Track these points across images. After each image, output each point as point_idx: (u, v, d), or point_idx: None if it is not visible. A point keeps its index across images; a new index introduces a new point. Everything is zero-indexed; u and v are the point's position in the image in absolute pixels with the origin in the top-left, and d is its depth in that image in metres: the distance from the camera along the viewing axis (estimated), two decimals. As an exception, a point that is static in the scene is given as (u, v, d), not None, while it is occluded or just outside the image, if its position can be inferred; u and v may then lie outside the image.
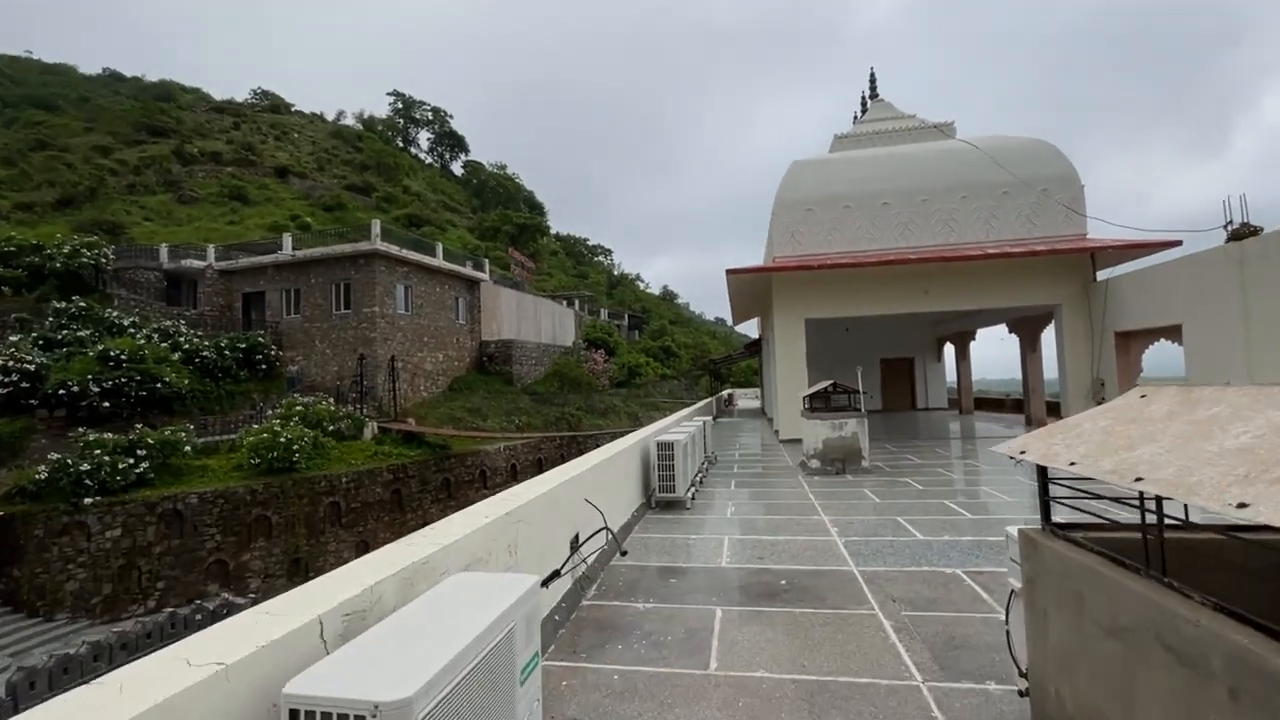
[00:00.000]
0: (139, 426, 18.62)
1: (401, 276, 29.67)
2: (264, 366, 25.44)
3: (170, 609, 15.89)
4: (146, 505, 17.48)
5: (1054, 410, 15.87)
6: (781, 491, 7.97)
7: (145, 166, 49.35)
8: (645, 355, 51.81)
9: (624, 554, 2.40)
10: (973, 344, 20.90)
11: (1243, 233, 8.91)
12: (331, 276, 28.77)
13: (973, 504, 6.78)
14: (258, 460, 19.55)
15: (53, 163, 50.28)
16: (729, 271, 13.32)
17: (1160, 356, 11.82)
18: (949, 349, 22.83)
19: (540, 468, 31.41)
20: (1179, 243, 11.98)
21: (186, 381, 22.17)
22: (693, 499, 7.35)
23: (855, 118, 18.22)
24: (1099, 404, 8.77)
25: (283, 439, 19.81)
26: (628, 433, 10.30)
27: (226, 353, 24.38)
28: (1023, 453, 1.96)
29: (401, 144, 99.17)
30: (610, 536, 2.52)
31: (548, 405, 35.43)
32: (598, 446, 9.26)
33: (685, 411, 13.38)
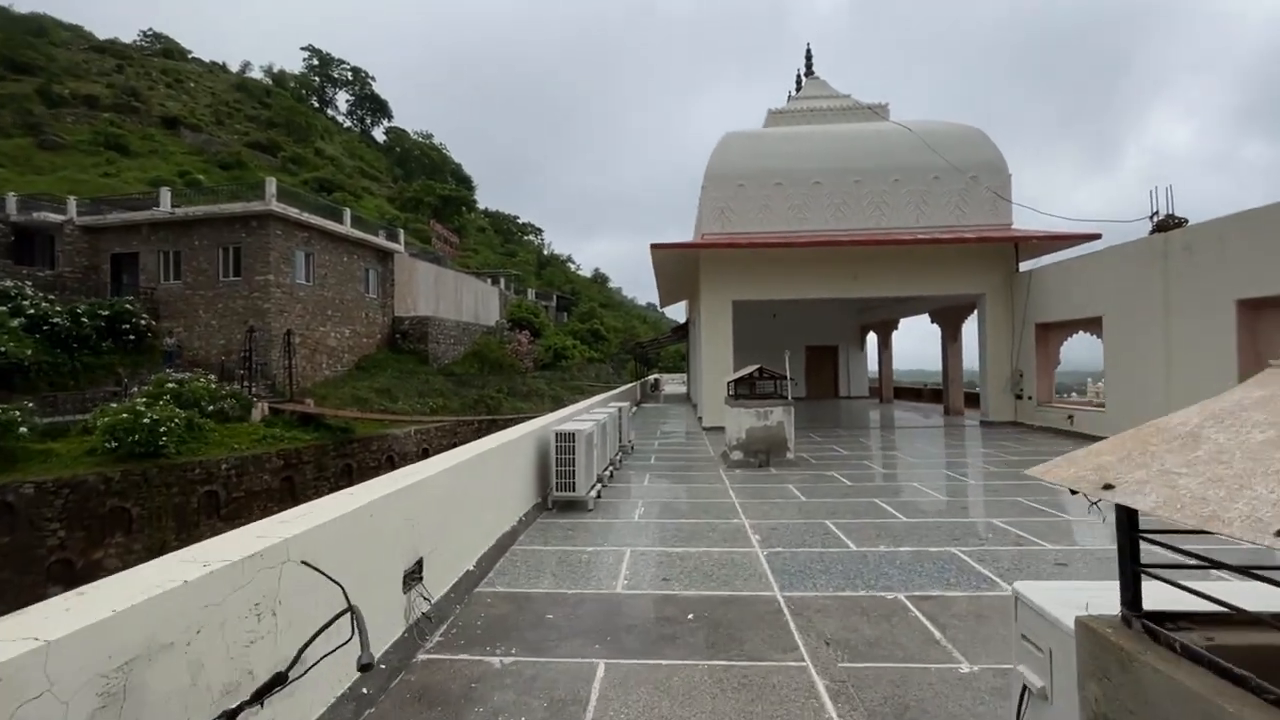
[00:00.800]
0: (-42, 404, 15.68)
1: (301, 242, 26.94)
2: (132, 337, 22.34)
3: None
4: (-36, 497, 14.72)
5: (972, 401, 16.00)
6: (699, 488, 7.10)
7: (1, 105, 42.76)
8: (573, 338, 50.41)
9: (367, 669, 1.26)
10: (894, 333, 21.01)
11: (1168, 224, 8.80)
12: (219, 239, 25.69)
13: (904, 504, 6.14)
14: (115, 444, 16.98)
15: (-120, 94, 42.88)
16: (654, 247, 12.35)
17: (1079, 350, 11.88)
18: (871, 338, 22.95)
19: (456, 453, 29.65)
20: (1099, 235, 12.04)
21: (29, 352, 19.04)
22: (598, 498, 6.35)
23: (790, 96, 17.59)
24: (1018, 396, 8.30)
25: (147, 420, 17.29)
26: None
27: (84, 320, 21.19)
28: (1107, 487, 1.03)
29: (317, 104, 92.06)
30: (356, 633, 1.25)
31: (466, 387, 33.55)
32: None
33: (602, 396, 12.38)
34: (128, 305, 22.52)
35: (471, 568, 3.96)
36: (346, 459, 23.72)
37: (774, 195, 13.33)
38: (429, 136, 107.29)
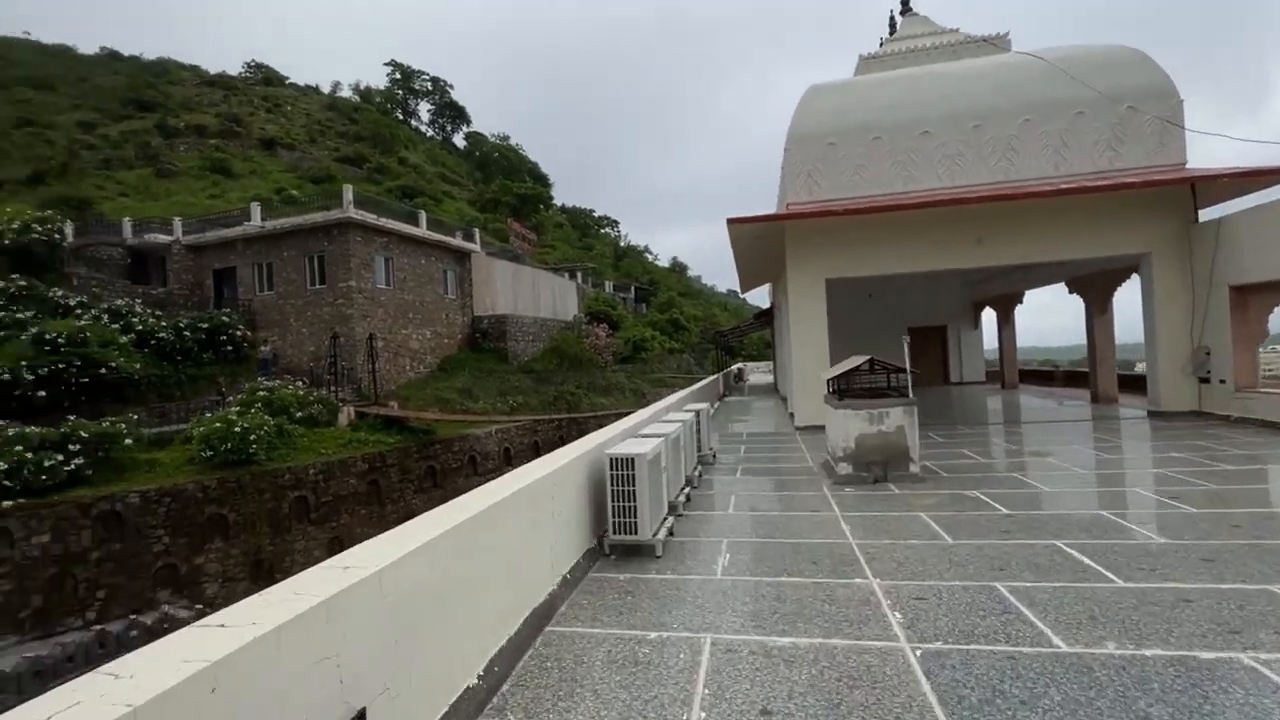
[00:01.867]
0: (72, 418, 16.59)
1: (380, 247, 27.30)
2: (229, 348, 23.33)
3: (99, 627, 14.03)
4: (79, 507, 15.51)
5: (1127, 386, 13.23)
6: (800, 518, 5.53)
7: (125, 141, 47.12)
8: (652, 329, 49.26)
9: None
10: (1017, 308, 18.13)
11: None
12: (305, 249, 26.48)
13: (1111, 551, 4.29)
14: (210, 453, 17.51)
15: (33, 140, 48.21)
16: (732, 221, 10.73)
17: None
18: (987, 315, 20.07)
19: (537, 451, 29.29)
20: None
21: (139, 365, 20.12)
22: (670, 534, 4.95)
23: (882, 41, 15.28)
24: (1203, 380, 6.06)
25: (238, 428, 17.71)
26: (630, 413, 8.31)
27: (187, 334, 22.30)
28: None
29: (401, 116, 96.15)
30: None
31: (546, 384, 33.18)
32: (600, 427, 7.04)
33: (679, 396, 10.95)
34: (224, 318, 23.53)
35: (475, 681, 2.68)
36: (429, 460, 23.75)
37: (872, 152, 11.32)
38: (505, 138, 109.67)
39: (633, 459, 4.44)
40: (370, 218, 26.16)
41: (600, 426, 8.09)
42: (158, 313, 22.98)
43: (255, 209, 26.99)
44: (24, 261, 24.28)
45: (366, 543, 2.35)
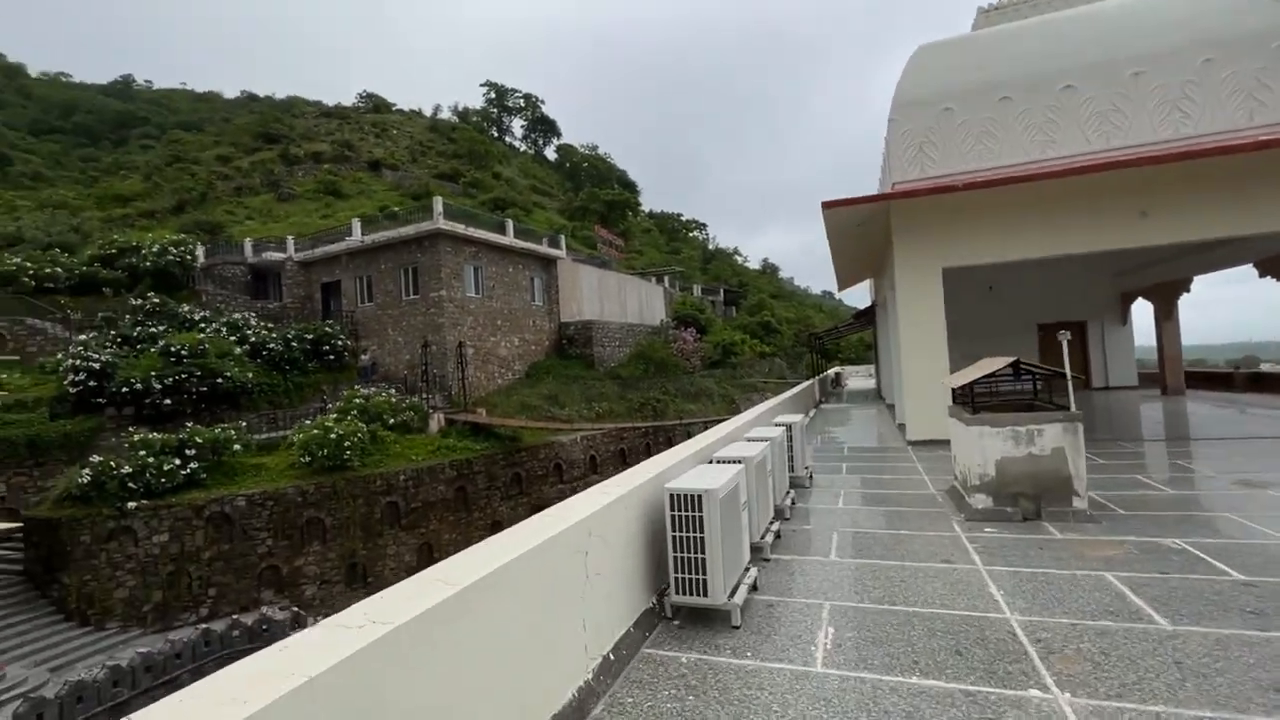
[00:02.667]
0: (189, 425, 17.76)
1: (470, 257, 27.79)
2: (331, 357, 24.47)
3: (204, 626, 14.68)
4: (193, 509, 16.47)
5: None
6: (929, 575, 4.18)
7: (253, 171, 51.91)
8: (742, 332, 47.54)
9: None
10: (1182, 298, 15.15)
11: None
12: (399, 261, 27.44)
13: None
14: (309, 459, 18.17)
15: (180, 174, 54.24)
16: (828, 205, 9.35)
17: None
18: (1139, 308, 17.06)
19: (624, 459, 28.65)
20: None
21: (251, 375, 21.40)
22: (752, 590, 3.83)
23: (1005, -6, 13.19)
24: None
25: (333, 435, 18.27)
26: (719, 421, 7.34)
27: (294, 344, 23.59)
28: None
29: (496, 133, 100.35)
30: None
31: (632, 390, 32.56)
32: (689, 435, 5.94)
33: (768, 405, 9.65)
34: (327, 328, 24.71)
35: None
36: (515, 468, 23.68)
37: (999, 116, 9.53)
38: (594, 148, 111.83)
39: (700, 496, 3.37)
40: (459, 228, 26.67)
41: (689, 434, 7.21)
42: (270, 325, 24.53)
43: (355, 225, 28.37)
44: (162, 281, 26.80)
45: (219, 676, 1.43)
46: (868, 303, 20.56)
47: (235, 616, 15.01)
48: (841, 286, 19.87)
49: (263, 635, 14.45)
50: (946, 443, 9.40)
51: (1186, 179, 8.51)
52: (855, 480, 7.52)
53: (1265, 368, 15.93)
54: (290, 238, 31.00)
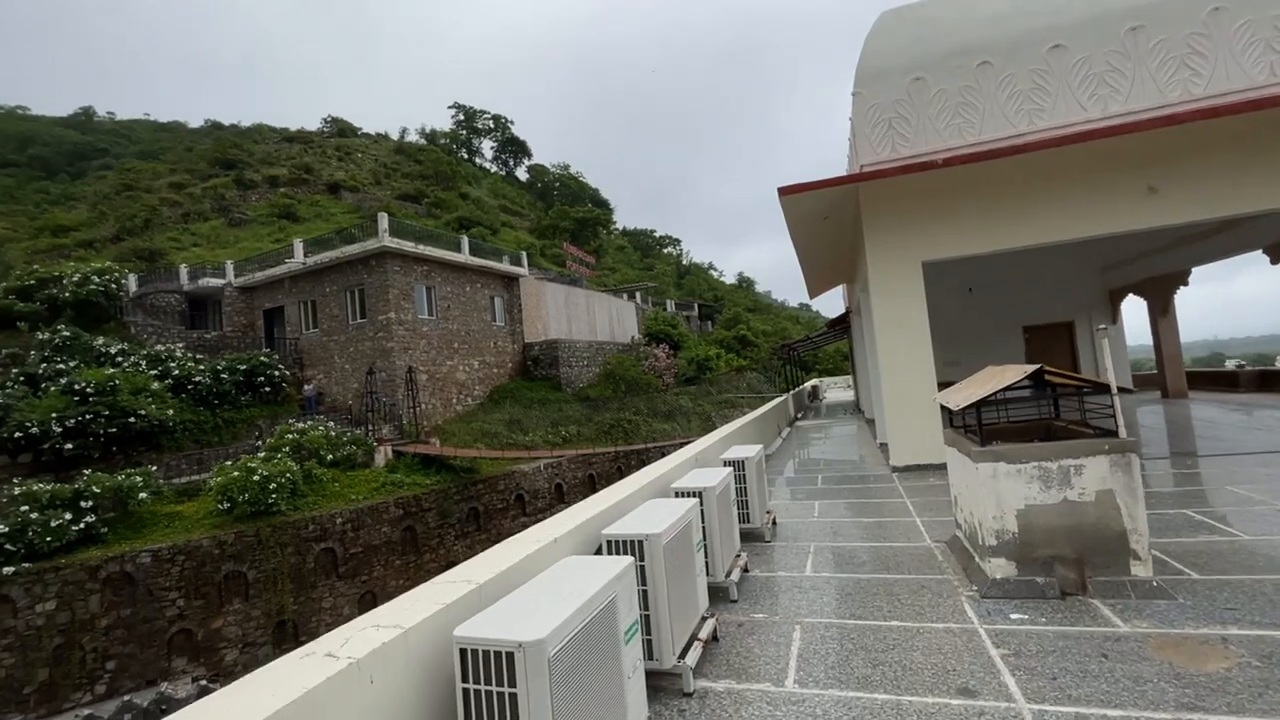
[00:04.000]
0: (87, 472, 15.67)
1: (421, 276, 26.06)
2: (268, 389, 22.44)
3: (126, 696, 12.56)
4: (86, 570, 14.32)
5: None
6: (945, 716, 2.59)
7: (204, 197, 49.72)
8: (717, 347, 46.19)
9: None
10: (1178, 292, 13.99)
11: None
12: (345, 283, 25.61)
13: None
14: (228, 505, 16.15)
15: (129, 203, 51.79)
16: (785, 192, 7.88)
17: None
18: (1130, 305, 15.92)
19: (593, 485, 26.87)
20: None
21: (171, 412, 19.32)
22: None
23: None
24: None
25: (256, 477, 16.29)
26: (686, 442, 5.92)
27: (224, 376, 21.54)
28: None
29: (465, 154, 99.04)
30: None
31: (602, 411, 30.87)
32: (664, 455, 5.66)
33: (718, 435, 8.00)
34: (262, 358, 22.72)
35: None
36: (472, 502, 21.77)
37: (978, 83, 8.22)
38: (566, 168, 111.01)
39: (508, 659, 1.74)
40: (408, 245, 24.97)
41: (663, 454, 5.84)
42: (198, 356, 22.46)
43: (298, 246, 26.52)
44: (85, 312, 24.59)
45: None
46: (844, 307, 19.22)
47: (128, 697, 12.91)
48: (812, 293, 18.52)
49: (160, 717, 12.39)
50: (938, 468, 7.90)
51: (1202, 147, 7.21)
52: (829, 524, 5.93)
53: None
54: (230, 263, 29.00)
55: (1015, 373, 4.12)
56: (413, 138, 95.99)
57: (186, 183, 57.13)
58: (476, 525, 21.74)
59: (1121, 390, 14.03)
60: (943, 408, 4.79)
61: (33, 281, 25.23)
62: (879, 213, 8.34)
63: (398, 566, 19.10)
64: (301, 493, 17.78)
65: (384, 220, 24.35)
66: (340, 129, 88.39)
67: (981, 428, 4.01)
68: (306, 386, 25.04)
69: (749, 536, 5.45)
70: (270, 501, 16.32)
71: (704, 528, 4.03)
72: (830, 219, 9.71)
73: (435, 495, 20.48)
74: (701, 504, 4.00)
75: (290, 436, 18.98)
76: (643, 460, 26.75)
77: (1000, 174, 7.81)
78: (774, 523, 5.92)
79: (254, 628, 16.11)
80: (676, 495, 4.14)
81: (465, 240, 28.98)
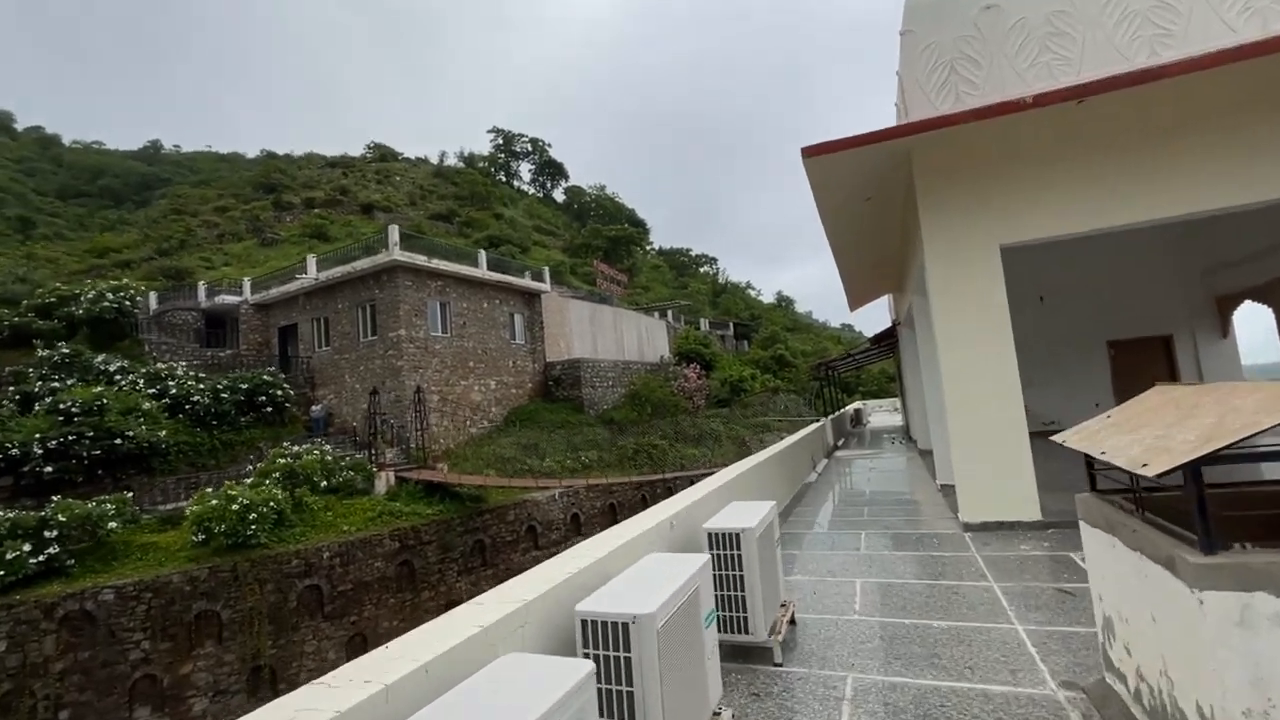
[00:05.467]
0: (55, 498, 14.58)
1: (435, 292, 24.86)
2: (270, 409, 21.36)
3: None
4: (42, 608, 13.05)
5: None
6: None
7: (241, 218, 50.60)
8: (753, 367, 43.82)
9: None
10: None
11: None
12: (356, 299, 24.61)
13: None
14: (203, 536, 14.81)
15: (172, 225, 53.18)
16: (810, 152, 5.93)
17: None
18: (1247, 313, 13.18)
19: (614, 515, 24.84)
20: None
21: (163, 433, 18.31)
22: None
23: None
24: None
25: (235, 506, 14.94)
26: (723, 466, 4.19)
27: (224, 396, 20.55)
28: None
29: (504, 177, 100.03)
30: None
31: (627, 435, 28.92)
32: (692, 484, 4.13)
33: (731, 473, 5.91)
34: (266, 376, 21.70)
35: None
36: (477, 534, 20.01)
37: (1075, 5, 6.14)
38: (602, 188, 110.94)
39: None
40: (420, 259, 23.84)
41: (690, 484, 4.28)
42: (201, 376, 21.59)
43: (311, 261, 25.75)
44: (99, 330, 24.21)
45: None
46: (890, 320, 16.89)
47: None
48: (853, 304, 16.30)
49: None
50: (1030, 528, 5.70)
51: None
52: (877, 635, 3.82)
53: None
54: (247, 280, 28.52)
55: (1261, 399, 2.02)
56: (451, 161, 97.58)
57: (230, 206, 58.59)
58: (482, 559, 19.96)
59: None
60: (1089, 462, 2.73)
61: (53, 299, 25.05)
62: (940, 183, 6.28)
63: (392, 605, 17.42)
64: (289, 522, 16.38)
65: (394, 233, 23.29)
66: (381, 154, 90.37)
67: (1204, 509, 1.92)
68: (315, 407, 23.96)
69: (747, 655, 3.43)
70: (249, 533, 14.91)
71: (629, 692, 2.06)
72: (874, 200, 7.67)
73: (437, 526, 18.81)
74: (620, 654, 2.04)
75: (283, 461, 17.68)
76: (670, 487, 24.60)
77: (1112, 121, 5.68)
78: (791, 621, 3.86)
79: (227, 674, 14.58)
80: (583, 628, 2.18)
81: (483, 255, 27.77)
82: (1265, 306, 12.17)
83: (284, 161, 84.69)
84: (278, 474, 17.20)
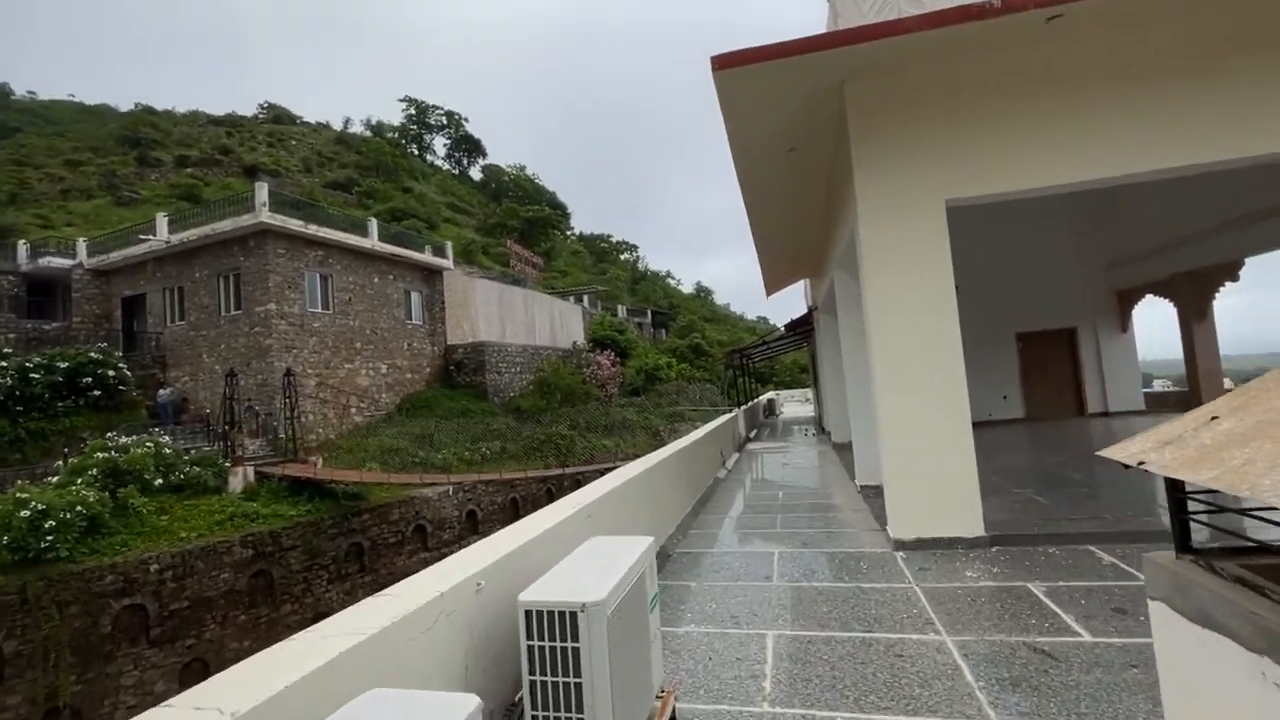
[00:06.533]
0: None
1: (314, 262, 21.95)
2: (98, 392, 17.90)
3: None
4: None
5: None
6: None
7: (95, 173, 43.92)
8: (669, 355, 43.00)
9: None
10: (1224, 289, 11.34)
11: None
12: (217, 266, 21.29)
13: None
14: (-19, 550, 11.82)
15: (9, 179, 45.41)
16: (721, 63, 4.58)
17: None
18: (1149, 308, 13.30)
19: (516, 511, 23.09)
20: None
21: (-60, 422, 14.75)
22: None
23: None
24: None
25: (25, 512, 12.02)
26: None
27: (34, 376, 16.97)
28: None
29: (416, 150, 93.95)
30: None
31: (534, 424, 27.10)
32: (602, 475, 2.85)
33: (596, 491, 4.47)
34: (92, 354, 18.18)
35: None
36: (354, 537, 17.69)
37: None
38: (522, 169, 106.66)
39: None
40: (294, 224, 20.87)
41: (601, 475, 3.01)
42: (6, 351, 17.78)
43: (162, 222, 22.01)
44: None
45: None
46: (806, 306, 16.12)
47: None
48: (771, 288, 15.39)
49: None
50: (965, 544, 4.66)
51: None
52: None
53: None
54: (82, 240, 24.20)
55: None
56: (357, 129, 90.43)
57: (85, 161, 50.93)
58: (360, 565, 17.68)
59: (1129, 411, 11.08)
60: (1172, 488, 1.43)
61: None
62: (877, 125, 5.10)
63: (243, 623, 14.92)
64: (107, 530, 13.54)
65: (262, 192, 20.22)
66: (276, 115, 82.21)
67: None
68: (163, 391, 20.53)
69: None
70: (44, 545, 12.05)
71: None
72: (798, 153, 6.45)
73: (303, 529, 16.37)
74: None
75: (103, 455, 14.65)
76: (578, 479, 23.10)
77: (1084, 59, 4.68)
78: (672, 718, 2.47)
79: (11, 719, 11.75)
80: None
81: (374, 224, 24.95)
82: (1166, 300, 12.20)
83: (161, 117, 75.08)
84: (95, 470, 14.22)
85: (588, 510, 3.40)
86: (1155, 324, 13.80)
